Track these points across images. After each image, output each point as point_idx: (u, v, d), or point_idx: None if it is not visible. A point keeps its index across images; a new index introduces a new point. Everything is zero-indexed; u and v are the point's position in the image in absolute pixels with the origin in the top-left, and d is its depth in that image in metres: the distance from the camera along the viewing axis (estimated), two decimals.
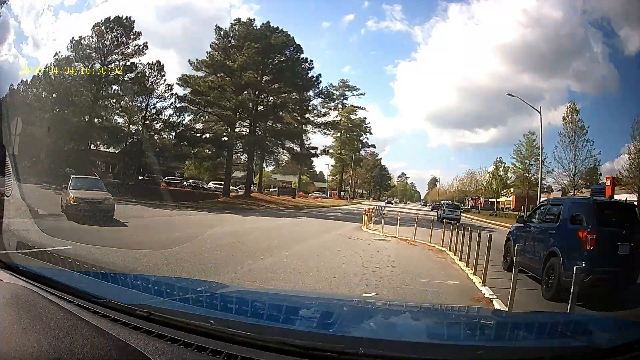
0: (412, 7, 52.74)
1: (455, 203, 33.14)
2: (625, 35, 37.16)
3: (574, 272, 4.58)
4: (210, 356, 1.34)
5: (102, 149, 32.84)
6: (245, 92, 30.85)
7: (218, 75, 30.21)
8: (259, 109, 32.12)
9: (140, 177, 29.77)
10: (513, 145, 36.03)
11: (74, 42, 28.89)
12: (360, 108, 46.49)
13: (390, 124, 68.49)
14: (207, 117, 31.79)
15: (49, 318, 1.47)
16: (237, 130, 31.72)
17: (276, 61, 31.34)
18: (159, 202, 21.34)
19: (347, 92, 44.53)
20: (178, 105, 29.91)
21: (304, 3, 51.04)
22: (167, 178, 32.38)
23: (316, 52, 60.26)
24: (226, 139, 31.15)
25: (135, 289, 2.12)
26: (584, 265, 5.68)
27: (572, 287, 4.55)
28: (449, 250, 11.12)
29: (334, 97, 42.37)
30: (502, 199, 40.85)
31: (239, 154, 34.88)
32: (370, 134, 48.17)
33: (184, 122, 30.62)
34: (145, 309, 1.56)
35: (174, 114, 30.10)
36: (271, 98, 32.83)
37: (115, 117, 30.28)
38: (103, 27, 28.96)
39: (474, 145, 55.51)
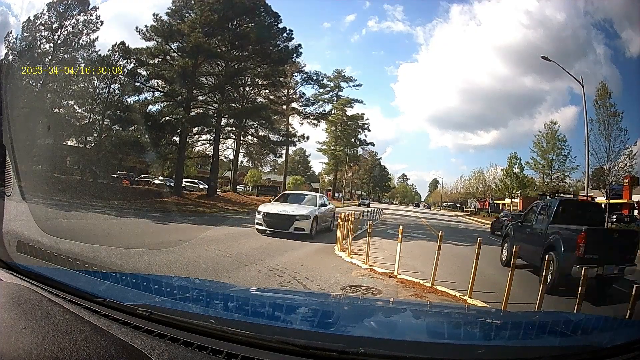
0: (414, 7, 52.19)
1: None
2: (627, 37, 36.88)
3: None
4: (211, 355, 1.34)
5: (77, 145, 26.87)
6: (195, 60, 23.90)
7: (170, 43, 24.24)
8: (212, 81, 25.26)
9: (114, 175, 26.40)
10: (510, 149, 33.00)
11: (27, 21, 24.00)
12: (357, 101, 41.10)
13: (391, 125, 67.82)
14: (155, 95, 24.99)
15: (49, 318, 1.47)
16: (200, 111, 25.54)
17: (239, 24, 24.97)
18: (87, 200, 16.83)
19: (342, 84, 38.87)
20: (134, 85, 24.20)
21: (305, 3, 50.59)
22: (142, 176, 28.74)
23: (316, 53, 59.75)
24: (168, 118, 24.08)
25: (136, 288, 2.11)
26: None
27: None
28: None
29: (328, 87, 36.91)
30: (506, 200, 36.96)
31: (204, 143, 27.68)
32: (369, 130, 43.38)
33: (137, 106, 24.36)
34: (146, 309, 1.56)
35: (127, 96, 24.48)
36: (231, 69, 25.70)
37: (76, 107, 25.08)
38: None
39: (475, 147, 55.13)
